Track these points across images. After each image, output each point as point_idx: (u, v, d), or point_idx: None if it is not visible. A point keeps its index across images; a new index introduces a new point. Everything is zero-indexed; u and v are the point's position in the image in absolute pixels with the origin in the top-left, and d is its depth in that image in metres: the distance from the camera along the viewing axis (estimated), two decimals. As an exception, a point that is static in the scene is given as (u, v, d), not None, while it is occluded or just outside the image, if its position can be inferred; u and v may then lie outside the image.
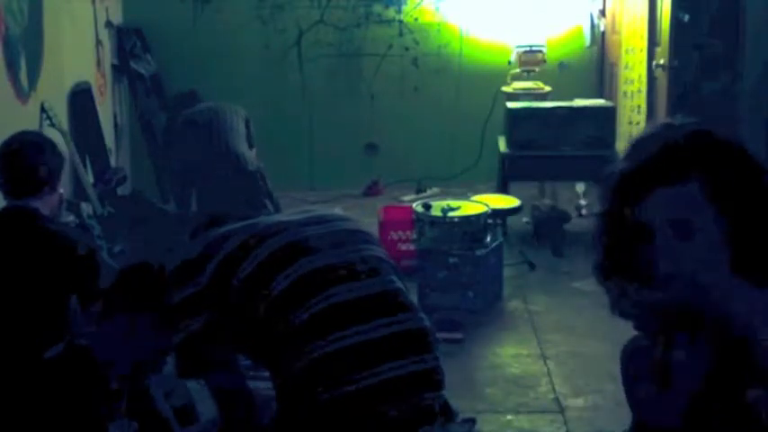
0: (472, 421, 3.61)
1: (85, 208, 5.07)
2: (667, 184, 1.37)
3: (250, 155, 6.23)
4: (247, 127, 6.31)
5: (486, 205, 5.33)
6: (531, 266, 5.76)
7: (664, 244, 1.36)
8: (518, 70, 7.34)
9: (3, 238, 3.07)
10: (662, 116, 6.37)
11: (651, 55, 6.55)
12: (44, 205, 3.11)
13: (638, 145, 1.44)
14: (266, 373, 2.79)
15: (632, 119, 6.91)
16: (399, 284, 2.53)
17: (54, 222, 3.11)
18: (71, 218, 4.76)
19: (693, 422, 1.43)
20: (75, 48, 6.02)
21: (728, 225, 1.36)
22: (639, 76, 6.77)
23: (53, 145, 3.29)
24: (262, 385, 2.91)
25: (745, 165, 1.40)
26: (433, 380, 2.41)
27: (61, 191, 3.26)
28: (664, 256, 1.36)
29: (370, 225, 4.81)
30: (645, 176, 1.38)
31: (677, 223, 1.36)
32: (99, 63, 6.64)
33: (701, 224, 1.36)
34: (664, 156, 1.38)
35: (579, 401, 4.02)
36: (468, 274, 5.11)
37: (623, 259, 1.42)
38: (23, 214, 3.06)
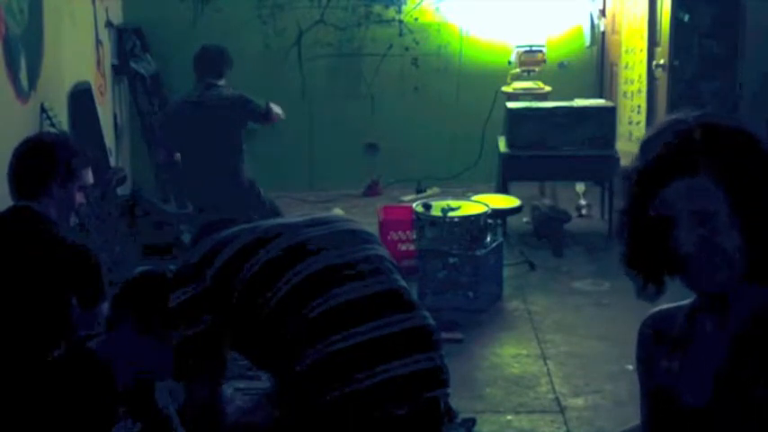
0: (472, 421, 3.62)
1: (85, 208, 5.06)
2: (682, 177, 1.41)
3: None
4: None
5: (486, 205, 5.32)
6: (531, 266, 5.76)
7: (686, 230, 1.41)
8: (518, 70, 7.33)
9: (2, 238, 3.07)
10: (662, 116, 6.38)
11: (651, 55, 6.55)
12: (48, 206, 3.08)
13: (648, 142, 1.48)
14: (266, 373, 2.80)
15: (632, 119, 6.91)
16: (403, 283, 2.53)
17: (55, 224, 3.09)
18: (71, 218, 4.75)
19: (718, 404, 1.44)
20: (76, 48, 6.01)
21: (742, 218, 1.40)
22: (639, 76, 6.77)
23: (65, 145, 3.20)
24: (260, 385, 2.91)
25: (754, 152, 1.44)
26: (439, 378, 2.42)
27: (81, 200, 3.21)
28: (686, 241, 1.41)
29: (370, 225, 4.80)
30: (659, 172, 1.43)
31: (696, 213, 1.41)
32: (99, 63, 6.63)
33: (716, 209, 1.40)
34: (673, 150, 1.43)
35: (579, 401, 4.02)
36: (468, 274, 5.11)
37: (647, 249, 1.48)
38: (25, 215, 3.05)
